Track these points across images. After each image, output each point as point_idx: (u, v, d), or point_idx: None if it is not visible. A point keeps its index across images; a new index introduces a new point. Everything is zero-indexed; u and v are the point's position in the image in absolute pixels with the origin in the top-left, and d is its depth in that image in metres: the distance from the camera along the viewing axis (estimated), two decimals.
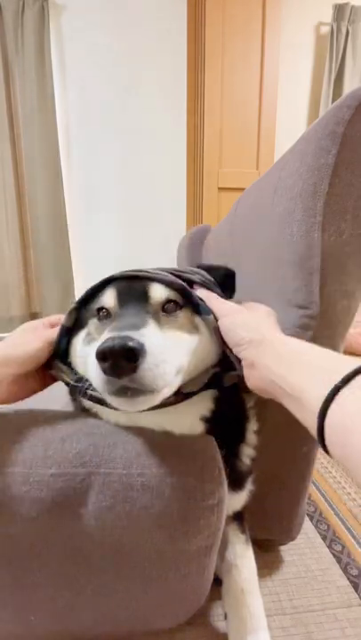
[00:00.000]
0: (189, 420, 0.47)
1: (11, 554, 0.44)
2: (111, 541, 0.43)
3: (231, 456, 0.51)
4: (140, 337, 0.37)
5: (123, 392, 0.37)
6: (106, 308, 0.46)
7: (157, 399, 0.39)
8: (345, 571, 0.75)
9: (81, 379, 0.46)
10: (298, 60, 2.90)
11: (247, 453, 0.54)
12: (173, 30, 2.75)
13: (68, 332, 0.49)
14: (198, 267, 0.60)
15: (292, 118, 2.90)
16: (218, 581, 0.59)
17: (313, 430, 0.30)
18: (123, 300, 0.46)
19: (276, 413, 0.59)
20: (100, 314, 0.47)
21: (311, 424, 0.30)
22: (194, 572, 0.48)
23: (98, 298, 0.48)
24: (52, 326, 0.52)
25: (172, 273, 0.50)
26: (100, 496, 0.40)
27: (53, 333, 0.49)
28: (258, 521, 0.67)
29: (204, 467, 0.41)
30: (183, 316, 0.47)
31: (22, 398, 0.49)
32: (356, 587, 0.71)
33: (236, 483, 0.53)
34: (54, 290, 2.91)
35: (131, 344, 0.35)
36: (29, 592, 0.47)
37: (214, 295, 0.50)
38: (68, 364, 0.49)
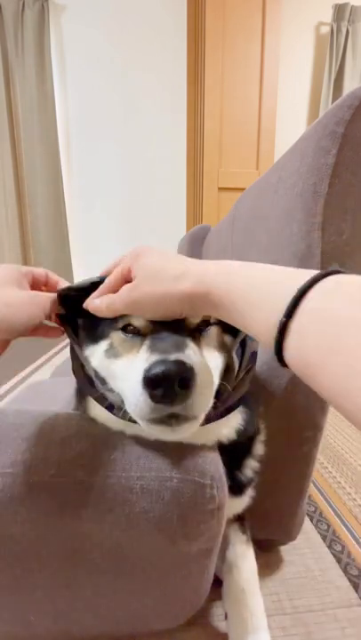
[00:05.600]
0: (212, 437, 0.46)
1: (11, 554, 0.44)
2: (111, 543, 0.43)
3: (234, 467, 0.50)
4: (188, 359, 0.33)
5: (166, 420, 0.35)
6: (134, 326, 0.41)
7: (198, 425, 0.37)
8: (345, 571, 0.75)
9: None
10: (298, 60, 2.90)
11: (251, 466, 0.54)
12: (173, 30, 2.75)
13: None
14: None
15: (292, 118, 2.90)
16: (218, 582, 0.59)
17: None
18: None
19: (276, 414, 0.59)
20: (127, 328, 0.42)
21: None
22: (194, 574, 0.48)
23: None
24: (35, 280, 0.45)
25: None
26: (99, 498, 0.39)
27: (48, 299, 0.42)
28: (258, 521, 0.67)
29: (204, 471, 0.40)
30: (214, 332, 0.44)
31: None
32: (356, 587, 0.71)
33: (236, 489, 0.52)
34: None
35: (185, 368, 0.32)
36: (29, 592, 0.47)
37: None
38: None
